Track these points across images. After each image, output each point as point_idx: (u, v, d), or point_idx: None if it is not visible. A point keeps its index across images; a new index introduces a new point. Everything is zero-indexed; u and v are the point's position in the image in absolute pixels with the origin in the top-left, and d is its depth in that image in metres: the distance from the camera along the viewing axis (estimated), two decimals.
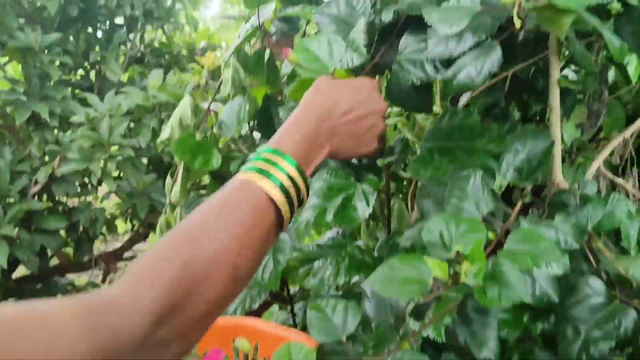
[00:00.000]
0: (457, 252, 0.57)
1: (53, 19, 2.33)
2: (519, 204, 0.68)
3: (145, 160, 2.40)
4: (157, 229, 1.04)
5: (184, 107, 1.03)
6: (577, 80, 0.90)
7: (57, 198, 2.40)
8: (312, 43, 0.82)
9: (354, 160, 0.96)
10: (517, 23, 0.44)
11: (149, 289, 0.45)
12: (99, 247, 3.13)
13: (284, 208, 0.56)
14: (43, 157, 2.36)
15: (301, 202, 0.60)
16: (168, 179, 1.04)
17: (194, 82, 1.99)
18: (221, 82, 1.03)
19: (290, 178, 0.57)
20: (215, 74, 2.21)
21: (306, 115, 0.64)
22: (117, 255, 3.04)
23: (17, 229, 2.17)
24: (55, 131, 2.44)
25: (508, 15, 0.55)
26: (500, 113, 1.04)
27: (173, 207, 1.01)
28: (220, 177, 1.02)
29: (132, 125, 2.19)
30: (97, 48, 2.45)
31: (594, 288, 0.57)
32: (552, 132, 0.69)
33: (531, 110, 1.03)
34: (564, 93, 0.94)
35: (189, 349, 0.50)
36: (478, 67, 0.60)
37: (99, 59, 2.42)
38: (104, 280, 2.91)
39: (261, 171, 0.56)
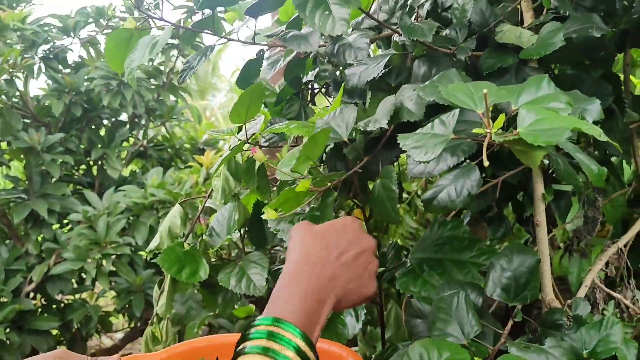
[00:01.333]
0: None
1: (58, 120, 2.40)
2: (509, 325, 0.65)
3: (142, 256, 2.39)
4: (143, 341, 1.00)
5: (173, 216, 1.03)
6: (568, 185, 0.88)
7: (51, 296, 2.36)
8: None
9: None
10: (486, 161, 0.44)
11: None
12: (93, 344, 3.03)
13: None
14: (39, 255, 2.35)
15: None
16: (156, 288, 1.02)
17: (192, 180, 2.02)
18: (211, 191, 1.03)
19: (298, 350, 0.52)
20: (212, 174, 2.24)
21: (300, 268, 0.59)
22: (112, 352, 2.94)
23: (7, 330, 2.12)
24: (54, 226, 2.44)
25: None
26: (494, 216, 1.04)
27: (160, 319, 0.98)
28: (209, 286, 0.99)
29: (130, 221, 2.20)
30: (99, 146, 2.49)
31: None
32: (540, 248, 0.68)
33: (526, 212, 1.03)
34: (557, 196, 0.93)
35: None
36: (458, 187, 0.60)
37: (100, 161, 2.46)
38: None
39: (267, 351, 0.51)
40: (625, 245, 0.81)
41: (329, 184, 0.77)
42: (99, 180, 2.70)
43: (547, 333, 0.64)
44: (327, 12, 0.65)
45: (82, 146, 2.57)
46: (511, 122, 0.50)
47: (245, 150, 0.94)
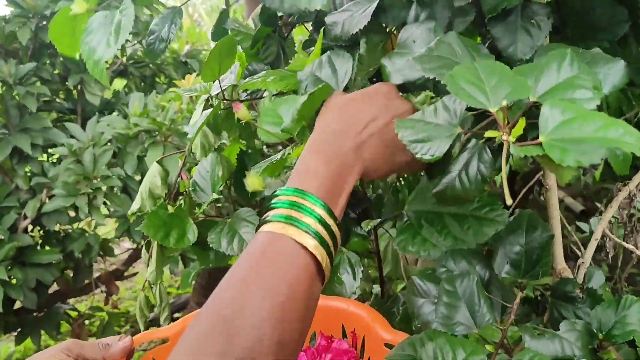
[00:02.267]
0: None
1: (27, 48, 2.24)
2: (517, 300, 0.61)
3: (135, 179, 2.34)
4: (137, 307, 0.98)
5: (153, 176, 0.96)
6: None
7: (48, 229, 2.35)
8: (281, 105, 0.75)
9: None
10: (508, 199, 0.36)
11: None
12: (98, 267, 3.09)
13: (320, 254, 0.50)
14: (30, 189, 2.30)
15: (336, 243, 0.53)
16: (144, 251, 0.97)
17: (175, 107, 1.92)
18: (189, 148, 0.96)
19: (320, 220, 0.51)
20: (196, 98, 2.13)
21: (324, 138, 0.57)
22: (117, 275, 3.00)
23: (9, 267, 2.13)
24: (44, 156, 2.38)
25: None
26: None
27: (151, 284, 0.95)
28: (199, 243, 0.95)
29: (116, 151, 2.13)
30: (76, 71, 2.36)
31: None
32: (550, 213, 0.62)
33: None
34: None
35: None
36: (471, 173, 0.52)
37: (78, 86, 2.33)
38: (106, 302, 2.87)
39: (288, 219, 0.50)
40: (636, 187, 0.76)
41: None
42: (80, 105, 2.59)
43: (558, 306, 0.60)
44: None
45: (56, 72, 2.43)
46: (529, 113, 0.42)
47: (225, 107, 0.85)
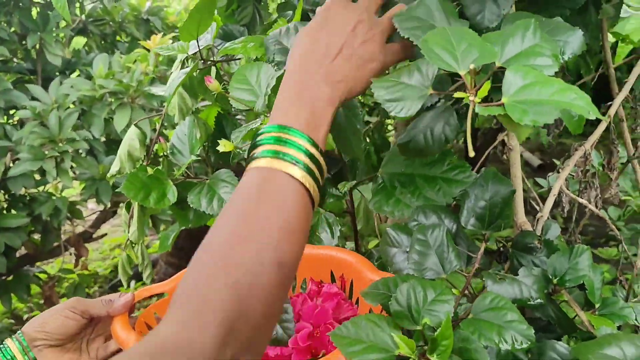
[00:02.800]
0: (425, 324, 0.57)
1: None
2: (482, 249, 0.67)
3: (101, 141, 2.32)
4: (120, 265, 1.01)
5: (131, 139, 0.97)
6: None
7: (14, 194, 2.32)
8: (248, 70, 0.77)
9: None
10: (471, 151, 0.41)
11: (203, 322, 0.44)
12: (66, 229, 3.07)
13: (310, 185, 0.53)
14: None
15: (323, 174, 0.56)
16: (124, 211, 1.00)
17: (142, 68, 1.90)
18: (166, 110, 0.97)
19: (307, 153, 0.54)
20: (162, 60, 2.11)
21: (296, 75, 0.58)
22: (86, 237, 3.00)
23: None
24: (5, 118, 2.32)
25: None
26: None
27: (132, 244, 0.98)
28: (179, 203, 0.97)
29: (82, 114, 2.10)
30: (35, 30, 2.29)
31: (560, 353, 0.57)
32: (513, 172, 0.67)
33: None
34: None
35: (262, 352, 0.49)
36: (436, 132, 0.57)
37: (37, 45, 2.26)
38: (76, 265, 2.88)
39: (277, 154, 0.53)
40: (591, 146, 0.82)
41: None
42: (40, 65, 2.52)
43: (518, 256, 0.67)
44: None
45: (13, 30, 2.35)
46: (494, 78, 0.47)
47: (201, 69, 0.87)
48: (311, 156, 0.54)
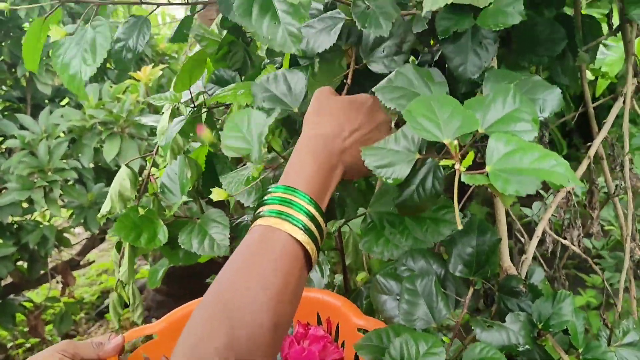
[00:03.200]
0: None
1: None
2: (469, 293, 0.68)
3: (90, 171, 2.31)
4: (110, 305, 1.01)
5: (122, 179, 0.98)
6: None
7: (1, 222, 2.30)
8: (239, 117, 0.78)
9: None
10: (456, 205, 0.43)
11: None
12: (53, 256, 3.04)
13: (310, 248, 0.56)
14: None
15: (322, 236, 0.59)
16: (114, 252, 1.00)
17: (132, 98, 1.92)
18: (157, 149, 0.99)
19: (310, 216, 0.57)
20: (152, 89, 2.13)
21: (314, 140, 0.63)
22: (73, 265, 2.97)
23: None
24: None
25: None
26: None
27: (123, 284, 0.98)
28: (169, 242, 0.98)
29: (71, 143, 2.10)
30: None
31: None
32: (497, 219, 0.69)
33: None
34: None
35: None
36: (427, 186, 0.59)
37: (26, 73, 2.27)
38: (63, 293, 2.85)
39: (280, 214, 0.56)
40: (572, 188, 0.84)
41: (282, 160, 0.74)
42: (30, 94, 2.53)
43: (505, 299, 0.68)
44: (275, 23, 0.58)
45: (2, 59, 2.36)
46: (478, 140, 0.49)
47: (195, 116, 0.88)
48: (314, 220, 0.57)
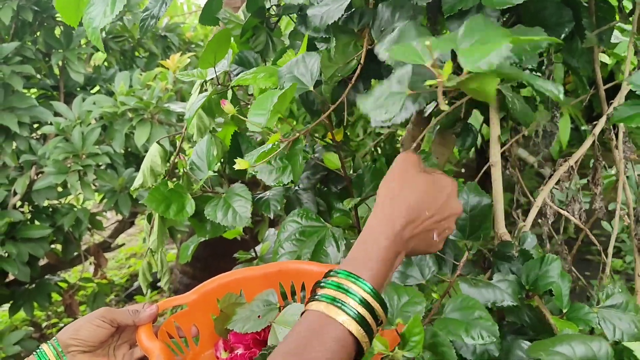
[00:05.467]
0: (399, 324, 0.63)
1: (9, 27, 2.28)
2: (464, 257, 0.74)
3: (121, 155, 2.41)
4: (140, 272, 1.09)
5: (153, 155, 1.06)
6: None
7: (38, 205, 2.43)
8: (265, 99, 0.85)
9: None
10: (443, 105, 0.48)
11: None
12: (85, 239, 3.17)
13: (362, 337, 0.56)
14: (18, 167, 2.37)
15: (379, 324, 0.58)
16: (145, 222, 1.08)
17: (161, 85, 2.00)
18: (186, 128, 1.06)
19: (366, 304, 0.56)
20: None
21: (387, 226, 0.61)
22: (104, 247, 3.10)
23: (2, 243, 2.21)
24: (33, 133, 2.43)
25: None
26: (462, 128, 1.10)
27: (152, 252, 1.06)
28: (197, 215, 1.06)
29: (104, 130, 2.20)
30: (59, 49, 2.40)
31: (524, 350, 0.64)
32: (494, 187, 0.75)
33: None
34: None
35: None
36: None
37: (60, 62, 2.38)
38: (95, 274, 2.97)
39: (334, 301, 0.56)
40: (575, 163, 0.89)
41: (298, 133, 0.81)
42: (63, 82, 2.64)
43: (498, 264, 0.74)
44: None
45: (37, 47, 2.48)
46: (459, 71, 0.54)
47: (218, 92, 0.95)
48: (368, 306, 0.56)
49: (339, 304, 0.55)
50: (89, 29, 0.86)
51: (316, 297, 0.57)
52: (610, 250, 0.93)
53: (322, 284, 0.58)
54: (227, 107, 0.83)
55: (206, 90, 1.00)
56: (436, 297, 0.67)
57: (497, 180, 0.74)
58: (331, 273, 0.59)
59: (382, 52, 0.66)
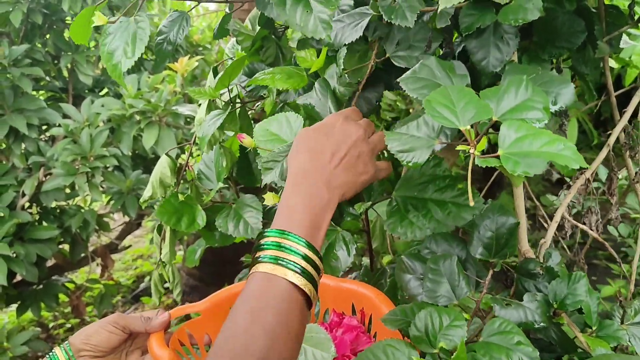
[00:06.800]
0: (441, 347, 0.62)
1: (19, 29, 2.28)
2: (489, 275, 0.72)
3: (129, 157, 2.41)
4: (152, 284, 1.08)
5: (162, 167, 1.05)
6: None
7: (46, 206, 2.42)
8: (272, 124, 0.83)
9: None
10: (469, 185, 0.47)
11: None
12: (93, 240, 3.17)
13: (309, 289, 0.58)
14: (26, 168, 2.37)
15: (320, 274, 0.61)
16: (155, 234, 1.07)
17: (170, 88, 1.99)
18: (195, 138, 1.05)
19: (306, 258, 0.59)
20: (187, 79, 2.20)
21: (299, 180, 0.64)
22: (111, 249, 3.10)
23: (11, 244, 2.21)
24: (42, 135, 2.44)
25: None
26: None
27: (164, 264, 1.05)
28: (206, 224, 1.04)
29: (112, 132, 2.20)
30: (68, 52, 2.40)
31: None
32: (516, 205, 0.73)
33: None
34: None
35: None
36: None
37: (69, 64, 2.38)
38: (102, 275, 2.98)
39: (277, 260, 0.58)
40: (591, 175, 0.87)
41: None
42: (72, 84, 2.64)
43: (523, 281, 0.72)
44: (307, 11, 0.63)
45: (47, 50, 2.47)
46: (494, 127, 0.53)
47: (231, 110, 0.94)
48: (308, 259, 0.59)
49: (284, 263, 0.57)
50: (108, 64, 0.85)
51: (259, 259, 0.59)
52: (634, 267, 0.91)
53: (262, 246, 0.60)
54: (247, 141, 0.82)
55: (216, 106, 0.99)
56: (466, 317, 0.65)
57: (519, 197, 0.73)
58: (266, 233, 0.60)
59: (410, 89, 0.65)
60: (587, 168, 0.90)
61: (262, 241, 0.60)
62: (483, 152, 0.51)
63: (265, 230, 0.62)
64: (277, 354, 0.54)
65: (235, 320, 0.56)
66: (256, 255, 0.60)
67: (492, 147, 0.56)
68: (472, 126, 0.51)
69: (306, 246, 0.59)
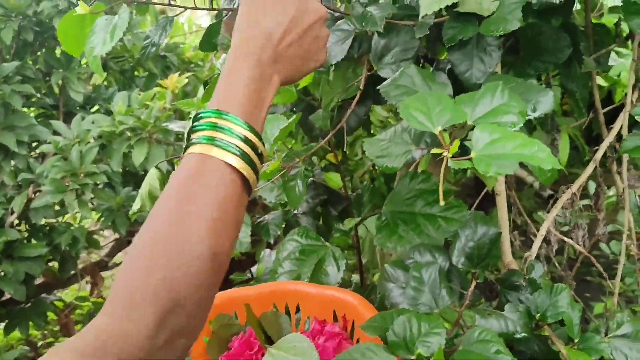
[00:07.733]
0: (419, 354, 0.62)
1: (10, 47, 2.29)
2: (472, 286, 0.72)
3: (119, 174, 2.40)
4: None
5: (152, 179, 1.05)
6: None
7: (35, 224, 2.41)
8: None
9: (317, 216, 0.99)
10: (441, 186, 0.48)
11: (138, 314, 0.45)
12: (82, 257, 3.15)
13: (248, 173, 0.53)
14: (16, 185, 2.36)
15: (261, 159, 0.55)
16: None
17: (160, 105, 2.00)
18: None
19: (244, 139, 0.53)
20: (178, 96, 2.21)
21: (242, 57, 0.57)
22: (101, 266, 3.07)
23: None
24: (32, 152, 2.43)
25: None
26: None
27: None
28: None
29: (102, 149, 2.19)
30: (58, 69, 2.41)
31: None
32: (500, 215, 0.73)
33: None
34: None
35: (197, 335, 0.51)
36: None
37: (60, 81, 2.38)
38: (92, 293, 2.95)
39: (212, 140, 0.52)
40: (577, 189, 0.88)
41: (297, 159, 0.80)
42: (62, 101, 2.64)
43: (506, 293, 0.72)
44: None
45: (38, 67, 2.48)
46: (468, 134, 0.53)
47: None
48: (248, 141, 0.53)
49: (219, 143, 0.52)
50: (89, 57, 0.86)
51: (193, 140, 0.53)
52: (617, 280, 0.91)
53: (195, 128, 0.54)
54: None
55: None
56: (448, 326, 0.65)
57: (502, 209, 0.73)
58: (202, 114, 0.54)
59: (390, 96, 0.66)
60: (573, 183, 0.91)
61: (196, 123, 0.54)
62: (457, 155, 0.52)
63: (200, 111, 0.55)
64: (215, 239, 0.49)
65: (164, 203, 0.50)
66: (190, 138, 0.54)
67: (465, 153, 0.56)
68: (448, 131, 0.52)
69: (246, 127, 0.53)
